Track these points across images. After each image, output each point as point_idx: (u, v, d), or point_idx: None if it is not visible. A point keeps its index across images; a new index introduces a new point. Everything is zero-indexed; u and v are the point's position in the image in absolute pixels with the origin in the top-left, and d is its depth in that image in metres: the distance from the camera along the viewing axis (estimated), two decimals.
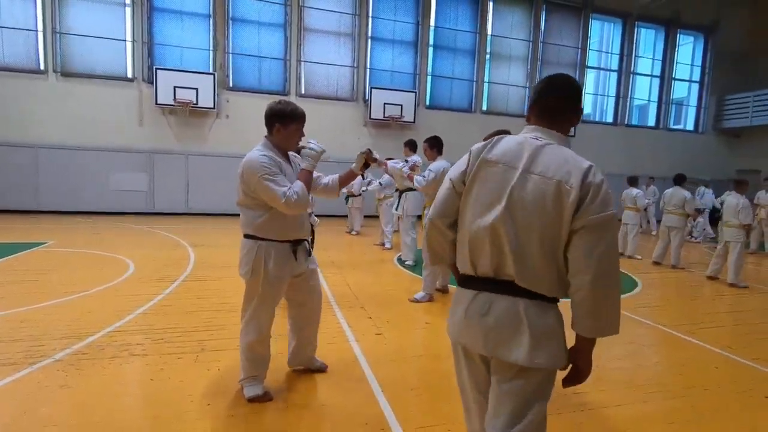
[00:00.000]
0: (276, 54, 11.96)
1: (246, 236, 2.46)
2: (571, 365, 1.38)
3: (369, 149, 2.75)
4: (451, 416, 2.41)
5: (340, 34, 12.42)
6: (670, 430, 2.43)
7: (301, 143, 2.50)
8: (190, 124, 11.36)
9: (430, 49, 13.15)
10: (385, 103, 12.21)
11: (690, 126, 16.46)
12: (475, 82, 13.60)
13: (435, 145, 4.97)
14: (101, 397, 2.50)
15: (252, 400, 2.48)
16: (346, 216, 10.04)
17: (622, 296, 5.29)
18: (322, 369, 2.91)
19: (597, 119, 15.65)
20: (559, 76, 1.44)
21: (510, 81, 13.98)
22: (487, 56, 13.69)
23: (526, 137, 1.41)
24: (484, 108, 13.80)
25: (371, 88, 12.31)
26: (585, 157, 1.32)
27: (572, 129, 1.62)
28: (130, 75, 10.97)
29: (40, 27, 10.31)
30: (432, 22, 13.05)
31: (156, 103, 10.74)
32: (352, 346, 3.37)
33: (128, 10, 10.80)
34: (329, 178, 2.72)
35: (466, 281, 1.44)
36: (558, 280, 1.32)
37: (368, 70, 12.68)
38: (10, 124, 10.25)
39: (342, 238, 9.05)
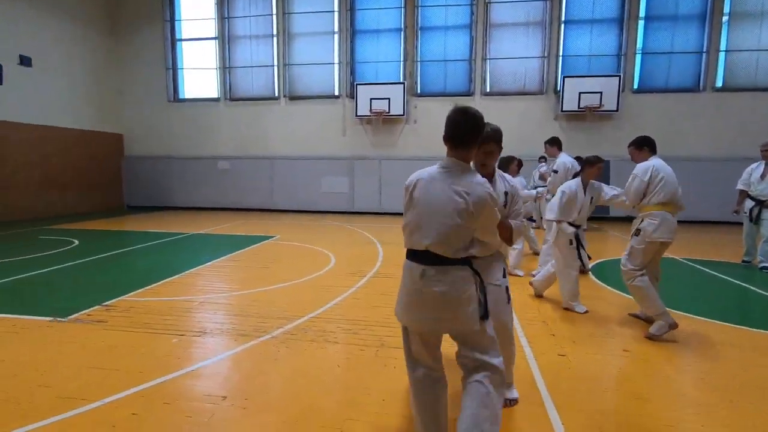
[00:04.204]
0: (461, 56, 12.05)
1: None
2: None
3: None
4: None
5: (528, 23, 11.70)
6: None
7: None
8: (382, 131, 12.47)
9: (640, 23, 11.17)
10: (580, 92, 10.95)
11: None
12: (705, 53, 10.93)
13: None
14: (300, 374, 2.94)
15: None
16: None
17: None
18: (509, 403, 2.59)
19: None
20: None
21: (761, 45, 10.74)
22: (725, 18, 10.82)
23: None
24: (719, 84, 10.97)
25: (563, 77, 11.21)
26: None
27: None
28: (336, 93, 12.72)
29: (275, 62, 12.91)
30: None
31: (356, 115, 12.16)
32: (530, 364, 3.11)
33: (336, 36, 12.54)
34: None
35: None
36: None
37: (560, 57, 11.58)
38: (256, 141, 13.17)
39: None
